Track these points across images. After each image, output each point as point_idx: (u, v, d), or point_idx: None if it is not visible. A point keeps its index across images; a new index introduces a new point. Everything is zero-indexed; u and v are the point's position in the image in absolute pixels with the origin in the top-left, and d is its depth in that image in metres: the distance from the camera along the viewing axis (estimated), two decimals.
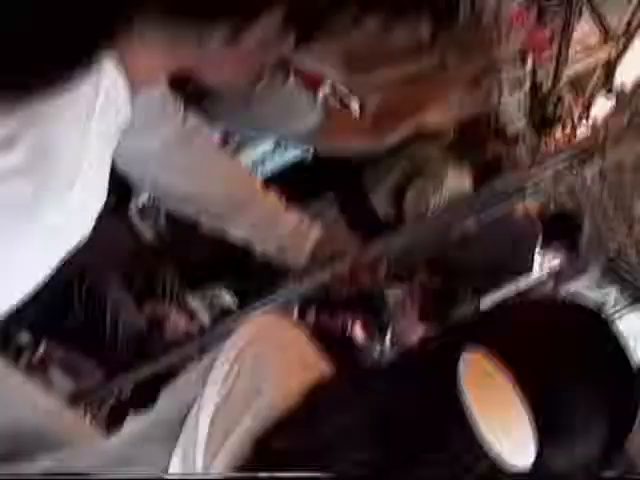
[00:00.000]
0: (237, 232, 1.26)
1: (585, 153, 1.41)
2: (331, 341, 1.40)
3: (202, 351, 1.34)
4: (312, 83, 1.88)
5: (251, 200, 1.25)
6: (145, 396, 1.11)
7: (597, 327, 0.81)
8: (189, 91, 1.12)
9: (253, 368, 0.84)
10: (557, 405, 0.69)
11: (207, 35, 0.74)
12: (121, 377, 1.19)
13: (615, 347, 0.78)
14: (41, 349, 1.38)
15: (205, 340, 1.25)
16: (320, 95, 1.57)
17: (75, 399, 1.26)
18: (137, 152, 1.08)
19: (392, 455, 0.69)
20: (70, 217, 0.68)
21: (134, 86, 0.77)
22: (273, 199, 1.29)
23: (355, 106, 1.84)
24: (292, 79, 1.39)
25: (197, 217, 1.26)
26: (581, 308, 0.84)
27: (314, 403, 0.77)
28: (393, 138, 1.56)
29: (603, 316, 0.82)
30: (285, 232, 1.27)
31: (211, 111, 1.24)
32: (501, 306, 0.87)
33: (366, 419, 0.72)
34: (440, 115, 1.79)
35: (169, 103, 1.09)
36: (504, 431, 0.66)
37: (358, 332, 1.94)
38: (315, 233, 1.30)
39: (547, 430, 0.67)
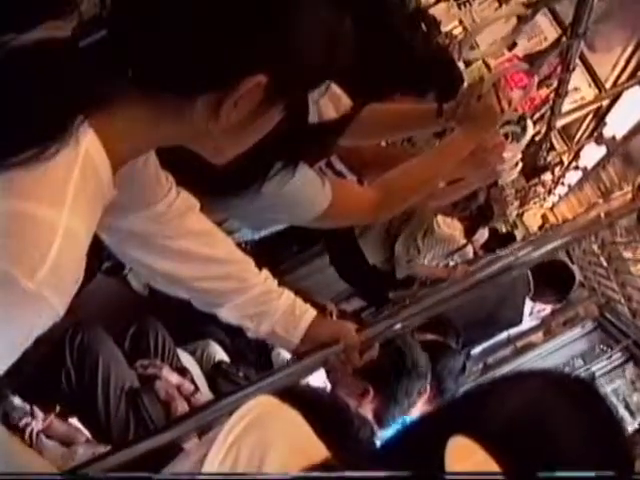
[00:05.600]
0: (228, 314, 1.23)
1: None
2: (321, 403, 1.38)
3: (200, 430, 1.31)
4: None
5: (244, 283, 1.21)
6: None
7: (587, 400, 0.81)
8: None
9: (249, 455, 0.83)
10: None
11: (187, 109, 0.75)
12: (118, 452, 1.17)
13: (608, 422, 0.78)
14: (34, 413, 1.37)
15: (201, 418, 1.22)
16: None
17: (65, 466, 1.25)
18: (124, 230, 1.05)
19: None
20: (42, 287, 0.65)
21: (118, 159, 0.76)
22: (266, 279, 1.25)
23: (352, 177, 1.83)
24: (301, 165, 1.33)
25: (185, 297, 1.22)
26: (565, 381, 0.84)
27: None
28: (389, 215, 1.53)
29: (592, 387, 0.82)
30: (278, 315, 1.24)
31: (214, 206, 1.19)
32: (485, 388, 0.87)
33: None
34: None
35: (160, 182, 1.05)
36: None
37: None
38: (309, 316, 1.27)
39: None
